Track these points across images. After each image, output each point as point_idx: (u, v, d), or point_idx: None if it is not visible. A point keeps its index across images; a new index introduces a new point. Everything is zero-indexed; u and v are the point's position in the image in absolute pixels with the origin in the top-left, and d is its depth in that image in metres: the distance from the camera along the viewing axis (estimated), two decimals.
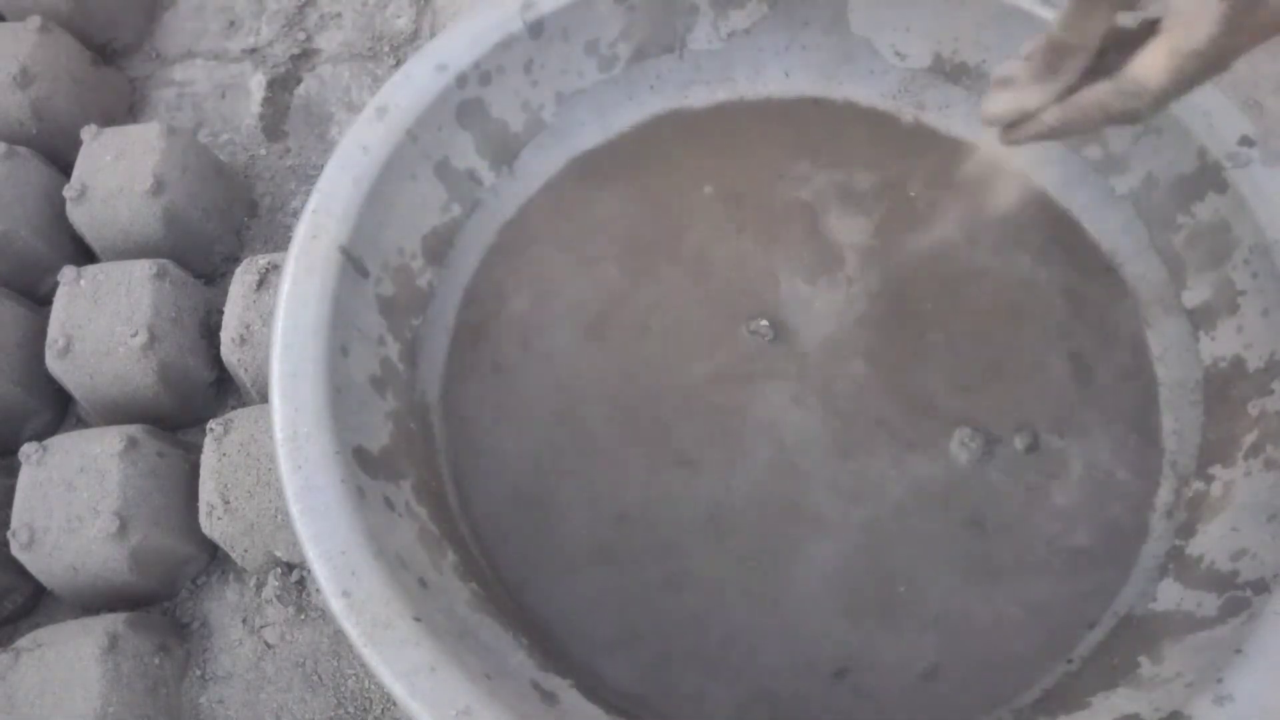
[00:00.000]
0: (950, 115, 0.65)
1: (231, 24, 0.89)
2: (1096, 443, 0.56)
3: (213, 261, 0.77)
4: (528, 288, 0.61)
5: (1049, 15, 0.57)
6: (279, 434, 0.47)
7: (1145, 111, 0.41)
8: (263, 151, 0.83)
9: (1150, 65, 0.39)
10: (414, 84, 0.57)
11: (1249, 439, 0.52)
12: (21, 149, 0.73)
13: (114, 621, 0.59)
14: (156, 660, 0.59)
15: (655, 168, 0.65)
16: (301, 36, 0.88)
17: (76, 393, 0.67)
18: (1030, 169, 0.62)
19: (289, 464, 0.46)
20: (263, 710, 0.60)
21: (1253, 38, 0.39)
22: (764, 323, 0.58)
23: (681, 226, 0.62)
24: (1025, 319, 0.60)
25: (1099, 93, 0.42)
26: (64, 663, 0.56)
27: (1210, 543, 0.51)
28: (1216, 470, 0.53)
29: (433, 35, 0.87)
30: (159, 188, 0.71)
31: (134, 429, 0.63)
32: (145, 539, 0.60)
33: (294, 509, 0.45)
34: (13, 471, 0.62)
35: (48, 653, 0.57)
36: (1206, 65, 0.39)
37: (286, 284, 0.51)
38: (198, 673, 0.62)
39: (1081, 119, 0.43)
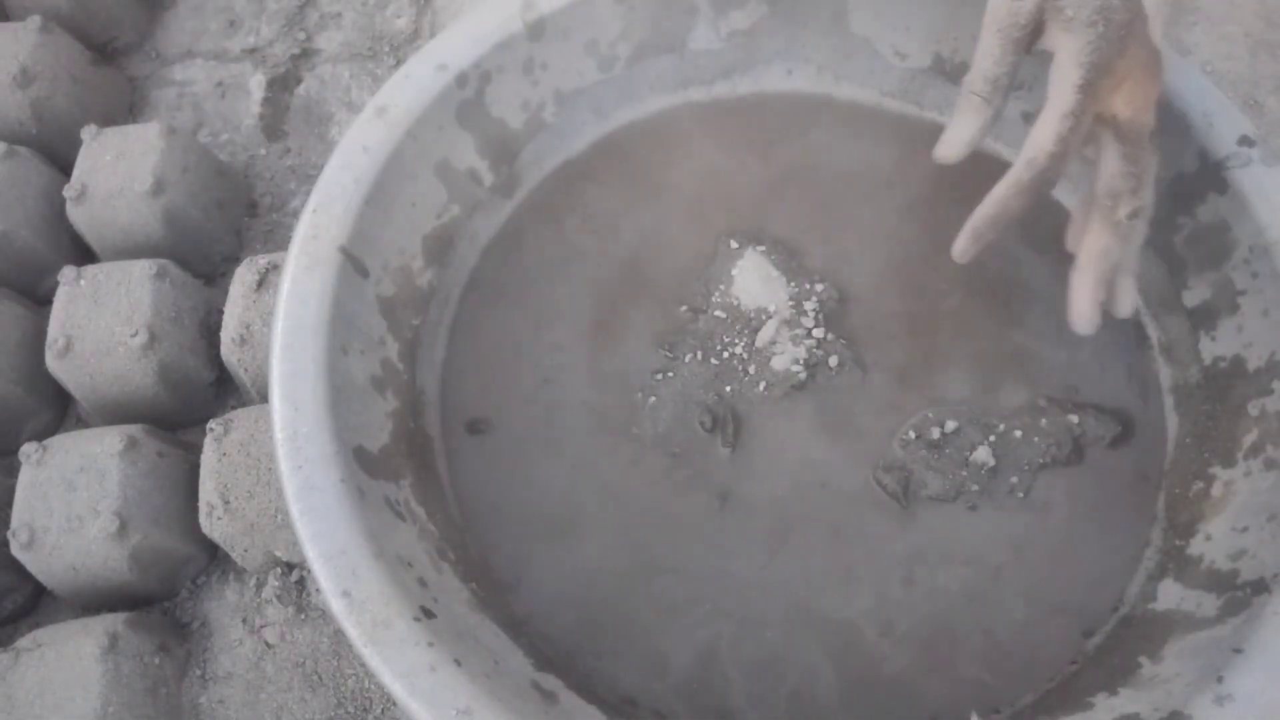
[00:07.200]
0: (951, 115, 0.64)
1: (231, 24, 0.89)
2: (1094, 442, 0.55)
3: (213, 261, 0.77)
4: (528, 288, 0.61)
5: None
6: (279, 434, 0.47)
7: (1050, 173, 0.47)
8: (263, 151, 0.83)
9: (1039, 131, 0.47)
10: (414, 84, 0.57)
11: (1249, 439, 0.52)
12: (21, 149, 0.73)
13: (114, 621, 0.59)
14: (156, 660, 0.59)
15: (655, 167, 0.65)
16: (301, 36, 0.88)
17: (76, 393, 0.67)
18: None
19: (289, 464, 0.46)
20: (263, 710, 0.60)
21: (1112, 97, 0.46)
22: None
23: (680, 224, 0.62)
24: (1025, 318, 0.60)
25: (1012, 172, 0.48)
26: (64, 663, 0.56)
27: (1210, 543, 0.51)
28: (1216, 470, 0.53)
29: (433, 35, 0.87)
30: (159, 188, 0.70)
31: (134, 429, 0.63)
32: (145, 539, 0.60)
33: (294, 509, 0.45)
34: (13, 471, 0.62)
35: (48, 653, 0.57)
36: (1079, 124, 0.46)
37: (286, 284, 0.51)
38: (198, 673, 0.62)
39: (1004, 201, 0.49)
